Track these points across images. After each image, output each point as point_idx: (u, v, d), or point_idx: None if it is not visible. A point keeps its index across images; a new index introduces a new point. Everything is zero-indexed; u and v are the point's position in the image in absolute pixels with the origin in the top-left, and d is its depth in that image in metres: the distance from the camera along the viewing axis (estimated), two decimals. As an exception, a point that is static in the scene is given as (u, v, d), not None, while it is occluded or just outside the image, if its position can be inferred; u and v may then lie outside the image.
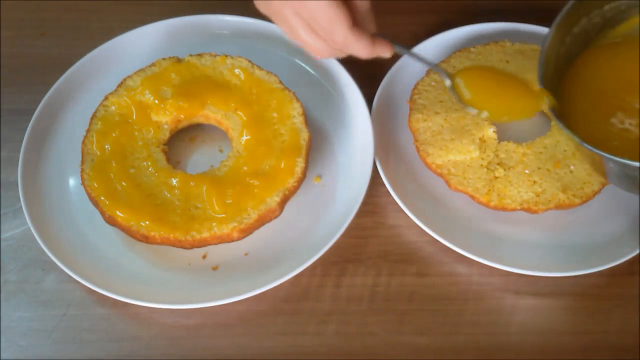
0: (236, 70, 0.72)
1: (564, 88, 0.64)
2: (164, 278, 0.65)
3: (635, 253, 0.66)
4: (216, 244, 0.64)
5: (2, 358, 0.63)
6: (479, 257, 0.65)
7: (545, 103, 0.61)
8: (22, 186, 0.68)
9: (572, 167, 0.68)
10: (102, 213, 0.65)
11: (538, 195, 0.66)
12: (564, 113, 0.61)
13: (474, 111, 0.63)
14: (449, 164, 0.69)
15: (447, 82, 0.64)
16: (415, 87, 0.73)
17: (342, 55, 0.60)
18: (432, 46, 0.77)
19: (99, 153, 0.67)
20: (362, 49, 0.58)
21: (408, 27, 0.83)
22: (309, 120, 0.70)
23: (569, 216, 0.69)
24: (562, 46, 0.63)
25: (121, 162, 0.67)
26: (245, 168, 0.67)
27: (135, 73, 0.71)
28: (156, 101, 0.69)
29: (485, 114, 0.63)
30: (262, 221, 0.65)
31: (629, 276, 0.67)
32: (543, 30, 0.79)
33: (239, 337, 0.64)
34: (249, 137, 0.68)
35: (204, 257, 0.66)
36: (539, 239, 0.68)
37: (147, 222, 0.63)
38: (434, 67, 0.66)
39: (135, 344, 0.63)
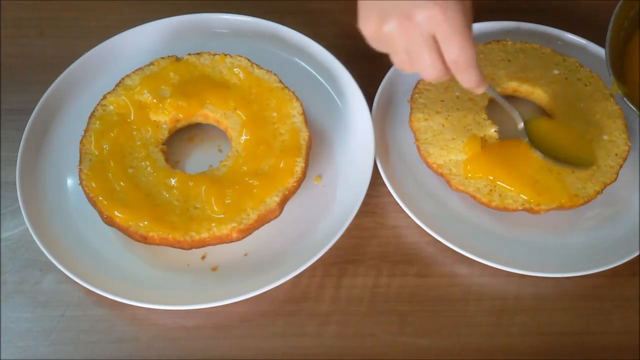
0: (235, 70, 0.71)
1: (625, 66, 0.70)
2: (163, 279, 0.65)
3: (636, 254, 0.66)
4: (215, 244, 0.64)
5: (1, 359, 0.63)
6: (480, 257, 0.65)
7: (618, 93, 0.68)
8: (20, 186, 0.67)
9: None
10: (101, 213, 0.64)
11: (540, 195, 0.66)
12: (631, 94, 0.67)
13: (540, 154, 0.66)
14: (450, 164, 0.68)
15: (520, 125, 0.67)
16: (416, 86, 0.73)
17: (446, 78, 0.60)
18: (433, 45, 0.77)
19: (97, 153, 0.67)
20: (475, 78, 0.59)
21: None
22: (308, 120, 0.69)
23: (570, 217, 0.69)
24: (622, 30, 0.69)
25: (119, 162, 0.66)
26: (244, 168, 0.66)
27: (133, 72, 0.71)
28: (155, 100, 0.69)
29: (549, 160, 0.66)
30: (261, 221, 0.64)
31: (630, 277, 0.67)
32: (544, 28, 0.79)
33: (238, 338, 0.64)
34: (248, 136, 0.68)
35: (203, 257, 0.66)
36: (540, 239, 0.68)
37: (146, 223, 0.63)
38: (513, 112, 0.67)
39: (134, 345, 0.63)
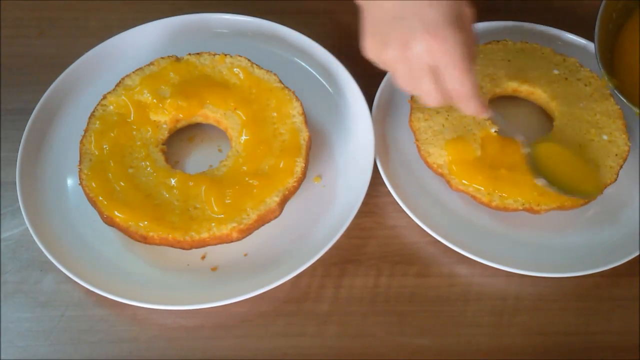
0: (235, 70, 0.71)
1: (615, 58, 0.70)
2: (163, 279, 0.65)
3: (636, 254, 0.66)
4: (215, 244, 0.64)
5: (1, 359, 0.63)
6: (480, 257, 0.65)
7: (608, 87, 0.69)
8: (20, 186, 0.67)
9: (573, 167, 0.68)
10: (101, 213, 0.64)
11: (540, 195, 0.66)
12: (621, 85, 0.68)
13: (543, 182, 0.65)
14: (450, 164, 0.68)
15: (526, 150, 0.67)
16: (415, 87, 0.73)
17: (446, 104, 0.61)
18: (433, 45, 0.77)
19: (97, 153, 0.67)
20: (475, 107, 0.60)
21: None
22: (308, 120, 0.69)
23: (570, 217, 0.69)
24: (610, 22, 0.69)
25: (119, 162, 0.66)
26: (244, 168, 0.66)
27: (133, 72, 0.71)
28: (155, 100, 0.69)
29: (553, 189, 0.65)
30: (261, 221, 0.64)
31: (630, 277, 0.67)
32: (544, 28, 0.79)
33: (238, 338, 0.64)
34: (248, 136, 0.68)
35: (203, 257, 0.66)
36: (540, 239, 0.68)
37: (146, 223, 0.63)
38: (518, 136, 0.67)
39: (133, 345, 0.63)
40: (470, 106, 0.60)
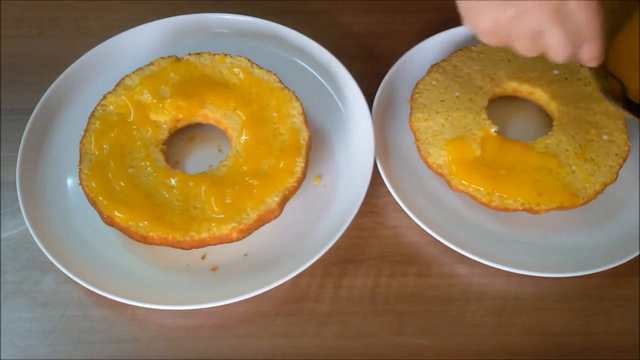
0: (235, 70, 0.71)
1: (612, 58, 0.68)
2: (163, 279, 0.65)
3: (637, 254, 0.66)
4: (215, 244, 0.64)
5: (1, 359, 0.63)
6: (480, 257, 0.65)
7: (598, 86, 0.67)
8: (20, 186, 0.67)
9: (574, 167, 0.68)
10: (101, 213, 0.64)
11: (540, 196, 0.66)
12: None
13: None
14: (450, 164, 0.68)
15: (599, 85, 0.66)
16: (416, 86, 0.73)
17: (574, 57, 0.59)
18: (433, 45, 0.77)
19: (97, 153, 0.67)
20: (600, 52, 0.59)
21: (409, 25, 0.83)
22: (308, 120, 0.69)
23: (570, 217, 0.68)
24: (606, 23, 0.66)
25: (119, 162, 0.66)
26: (244, 168, 0.66)
27: (133, 72, 0.71)
28: (155, 100, 0.69)
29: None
30: (261, 221, 0.64)
31: (631, 277, 0.67)
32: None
33: (238, 338, 0.64)
34: (248, 136, 0.68)
35: (203, 257, 0.66)
36: (540, 239, 0.68)
37: (146, 223, 0.63)
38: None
39: (133, 345, 0.63)
40: (597, 52, 0.59)
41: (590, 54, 0.60)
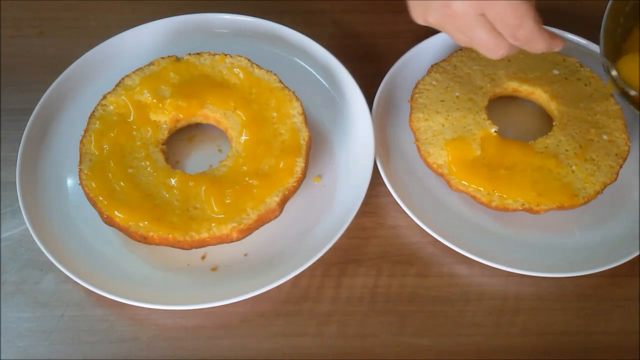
0: (235, 70, 0.71)
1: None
2: (163, 279, 0.65)
3: (636, 254, 0.66)
4: (215, 244, 0.64)
5: (1, 359, 0.63)
6: (480, 257, 0.65)
7: (615, 91, 0.67)
8: (20, 186, 0.67)
9: (573, 167, 0.68)
10: (101, 213, 0.64)
11: (540, 196, 0.66)
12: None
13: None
14: (450, 164, 0.68)
15: (614, 73, 0.65)
16: (416, 86, 0.73)
17: (513, 52, 0.58)
18: (433, 45, 0.77)
19: (97, 153, 0.67)
20: (543, 43, 0.57)
21: (409, 25, 0.82)
22: (308, 120, 0.69)
23: (570, 217, 0.69)
24: (618, 26, 0.67)
25: (119, 162, 0.66)
26: (244, 168, 0.66)
27: (133, 72, 0.71)
28: (155, 100, 0.69)
29: None
30: (261, 221, 0.64)
31: (630, 277, 0.67)
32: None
33: (238, 338, 0.64)
34: (248, 136, 0.68)
35: (203, 257, 0.66)
36: (540, 239, 0.68)
37: (146, 223, 0.63)
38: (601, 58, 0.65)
39: (133, 345, 0.63)
40: (538, 44, 0.56)
41: (540, 51, 0.57)
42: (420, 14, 0.59)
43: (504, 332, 0.64)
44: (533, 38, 0.56)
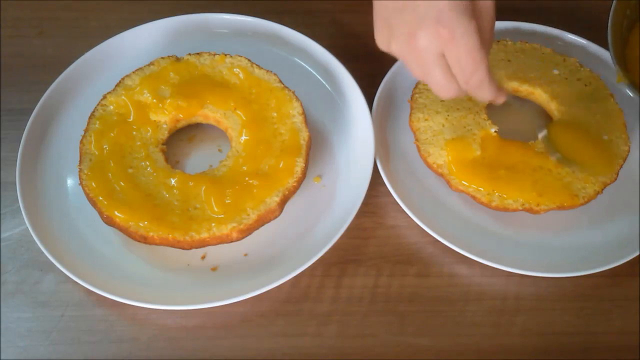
0: (235, 70, 0.71)
1: (629, 56, 0.70)
2: (163, 279, 0.65)
3: (636, 254, 0.66)
4: (215, 244, 0.64)
5: (1, 359, 0.63)
6: (480, 257, 0.65)
7: (623, 82, 0.67)
8: (20, 186, 0.67)
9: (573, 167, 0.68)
10: (101, 213, 0.64)
11: (540, 196, 0.66)
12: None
13: (558, 157, 0.66)
14: (450, 164, 0.68)
15: (542, 134, 0.68)
16: (416, 86, 0.73)
17: (461, 95, 0.59)
18: (433, 45, 0.77)
19: (97, 153, 0.67)
20: (490, 94, 0.58)
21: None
22: (308, 120, 0.69)
23: (570, 217, 0.69)
24: (625, 19, 0.68)
25: (119, 162, 0.66)
26: (244, 168, 0.66)
27: (133, 72, 0.71)
28: (155, 100, 0.69)
29: (568, 164, 0.66)
30: (261, 221, 0.64)
31: (630, 277, 0.67)
32: (544, 28, 0.79)
33: (238, 338, 0.64)
34: (248, 136, 0.68)
35: (203, 257, 0.66)
36: (540, 239, 0.68)
37: (146, 223, 0.63)
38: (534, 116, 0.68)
39: (134, 345, 0.63)
40: (485, 93, 0.58)
41: (485, 99, 0.59)
42: (384, 40, 0.58)
43: (504, 332, 0.64)
44: (483, 86, 0.57)
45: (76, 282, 0.63)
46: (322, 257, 0.64)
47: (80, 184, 0.65)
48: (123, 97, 0.69)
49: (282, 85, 0.70)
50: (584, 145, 0.68)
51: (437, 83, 0.58)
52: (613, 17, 0.68)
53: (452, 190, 0.68)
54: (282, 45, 0.78)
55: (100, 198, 0.64)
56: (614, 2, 0.68)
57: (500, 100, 0.61)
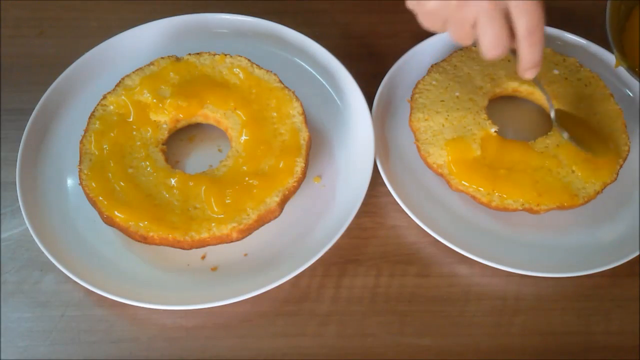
0: (235, 70, 0.71)
1: (626, 41, 0.73)
2: (163, 279, 0.65)
3: (636, 254, 0.66)
4: (215, 244, 0.64)
5: (1, 359, 0.63)
6: (480, 257, 0.65)
7: (622, 65, 0.70)
8: (20, 186, 0.67)
9: (573, 167, 0.68)
10: (101, 213, 0.64)
11: (540, 196, 0.66)
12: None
13: (566, 134, 0.68)
14: (449, 164, 0.68)
15: (552, 114, 0.69)
16: (416, 86, 0.73)
17: (505, 54, 0.58)
18: (433, 45, 0.77)
19: (97, 153, 0.67)
20: (540, 55, 0.58)
21: (408, 25, 0.82)
22: (308, 120, 0.69)
23: (570, 216, 0.69)
24: (622, 4, 0.70)
25: (119, 162, 0.66)
26: (244, 168, 0.66)
27: (133, 72, 0.71)
28: (155, 100, 0.69)
29: (574, 142, 0.67)
30: (261, 221, 0.64)
31: (630, 277, 0.67)
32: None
33: (238, 338, 0.64)
34: (248, 136, 0.68)
35: (203, 257, 0.66)
36: (540, 239, 0.68)
37: (146, 223, 0.63)
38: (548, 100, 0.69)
39: (134, 345, 0.63)
40: (538, 52, 0.57)
41: (533, 59, 0.58)
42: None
43: (504, 332, 0.64)
44: (540, 44, 0.57)
45: (76, 282, 0.63)
46: (322, 257, 0.64)
47: (80, 184, 0.65)
48: (123, 97, 0.69)
49: (282, 85, 0.70)
50: (585, 129, 0.68)
51: (490, 36, 0.56)
52: (610, 5, 0.70)
53: (452, 190, 0.68)
54: (282, 45, 0.78)
55: (100, 198, 0.64)
56: None
57: (536, 70, 0.60)
